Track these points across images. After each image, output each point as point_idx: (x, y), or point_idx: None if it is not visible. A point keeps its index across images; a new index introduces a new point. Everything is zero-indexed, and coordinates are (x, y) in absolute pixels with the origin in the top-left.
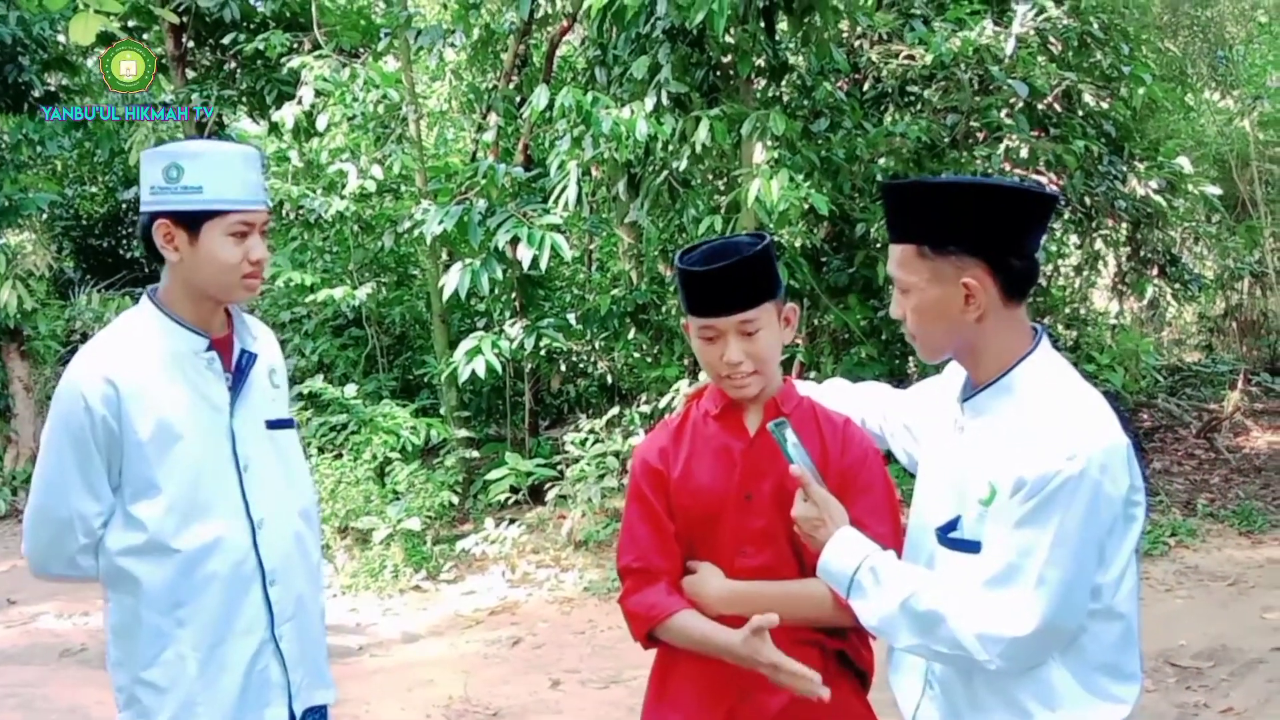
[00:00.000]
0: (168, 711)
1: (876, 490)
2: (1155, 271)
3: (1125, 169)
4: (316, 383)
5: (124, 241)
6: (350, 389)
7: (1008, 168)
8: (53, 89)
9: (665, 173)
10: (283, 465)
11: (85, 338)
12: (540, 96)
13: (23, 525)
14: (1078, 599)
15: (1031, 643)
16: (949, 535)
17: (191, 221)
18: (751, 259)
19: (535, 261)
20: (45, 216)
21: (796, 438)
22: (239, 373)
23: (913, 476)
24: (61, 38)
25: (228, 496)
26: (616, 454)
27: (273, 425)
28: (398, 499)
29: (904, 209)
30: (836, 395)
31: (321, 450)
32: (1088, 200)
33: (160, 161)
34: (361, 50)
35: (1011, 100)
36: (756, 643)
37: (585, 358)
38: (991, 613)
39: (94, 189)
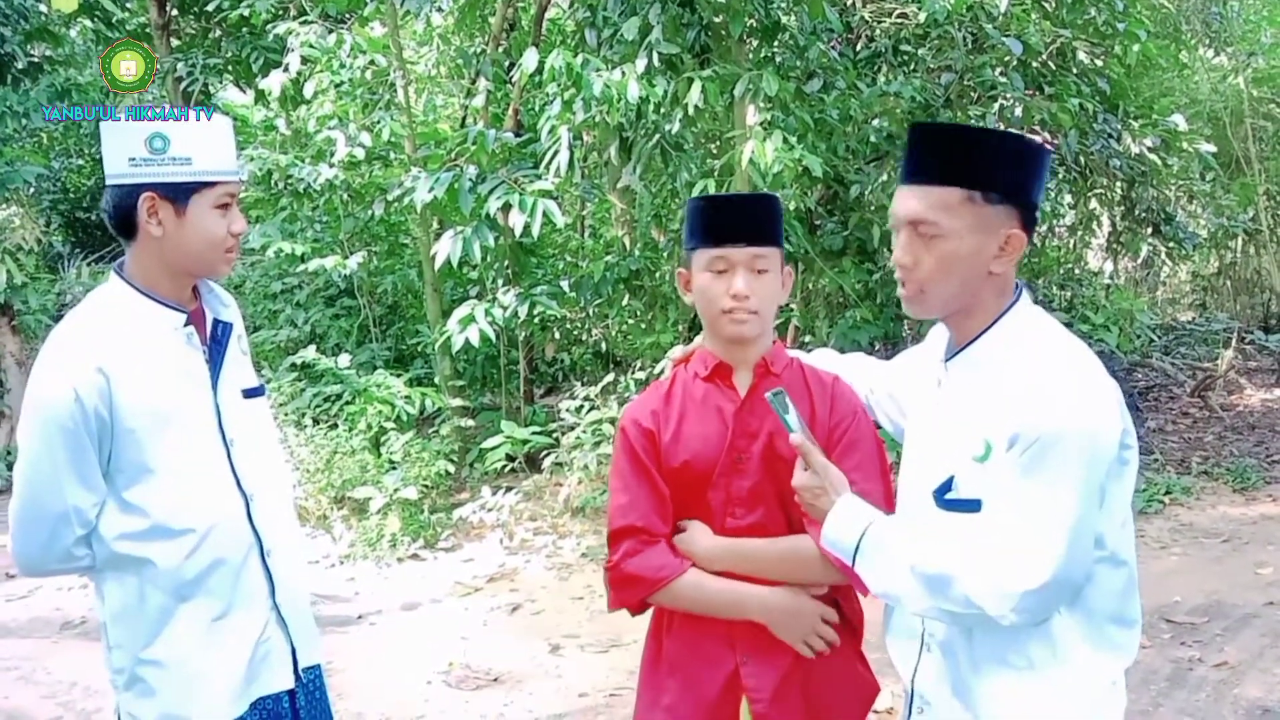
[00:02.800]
0: (173, 687)
1: (864, 446)
2: (1150, 230)
3: (1120, 127)
4: (309, 353)
5: None
6: (344, 359)
7: (1001, 127)
8: (36, 60)
9: (657, 136)
10: (262, 434)
11: None
12: (529, 59)
13: (10, 527)
14: (1084, 546)
15: (1045, 594)
16: (945, 497)
17: (181, 194)
18: (771, 198)
19: (527, 228)
20: (32, 190)
21: (795, 407)
22: (215, 343)
23: (901, 445)
24: (43, 7)
25: (219, 473)
26: (612, 421)
27: (248, 394)
28: (394, 468)
29: (954, 151)
30: (824, 365)
31: (316, 421)
32: (1082, 159)
33: (141, 132)
34: (348, 16)
35: (1005, 58)
36: (805, 595)
37: (579, 325)
38: (1002, 568)
39: (80, 161)
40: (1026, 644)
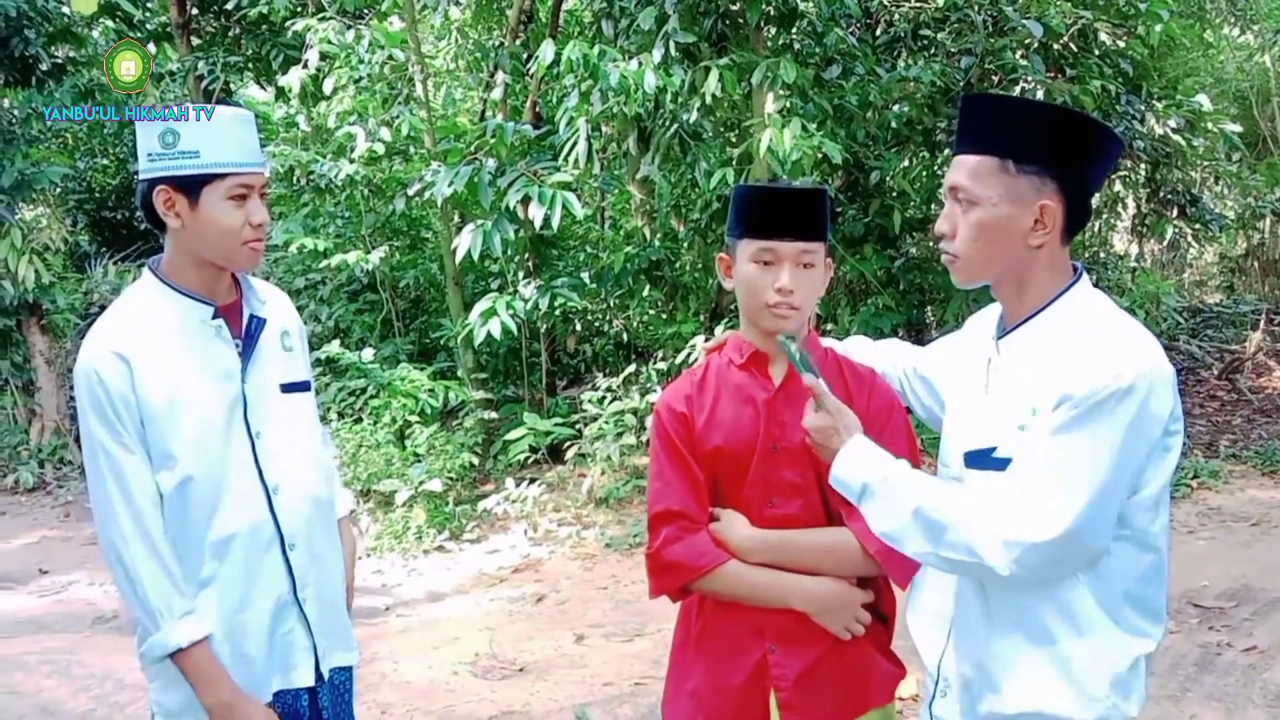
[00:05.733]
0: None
1: (901, 440)
2: (1175, 212)
3: (1143, 108)
4: (333, 348)
5: (138, 213)
6: (367, 353)
7: None
8: (60, 61)
9: (675, 126)
10: (298, 429)
11: (103, 309)
12: (547, 51)
13: (123, 575)
14: (1107, 513)
15: (1051, 550)
16: (976, 457)
17: (190, 186)
18: (820, 192)
19: (547, 220)
20: (58, 190)
21: (804, 350)
22: (248, 338)
23: (934, 431)
24: (65, 9)
25: (241, 464)
26: (634, 411)
27: (287, 389)
28: (419, 461)
29: (991, 120)
30: (859, 352)
31: (341, 415)
32: None
33: (155, 128)
34: (366, 11)
35: (1026, 41)
36: (847, 584)
37: (600, 316)
38: (1012, 517)
39: (105, 161)
40: (1043, 615)
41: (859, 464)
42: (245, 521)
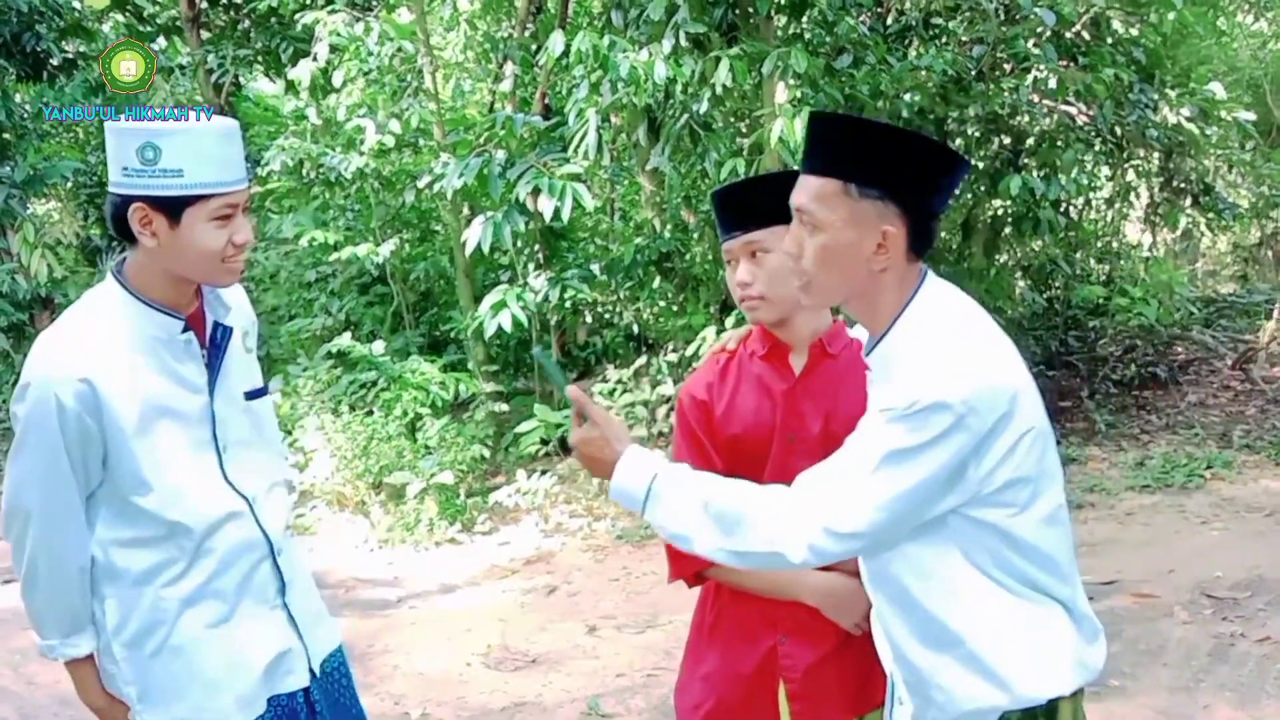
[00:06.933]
0: (191, 698)
1: None
2: (1188, 201)
3: (1156, 97)
4: (344, 341)
5: None
6: (378, 346)
7: (1036, 99)
8: (71, 56)
9: (686, 116)
10: (260, 436)
11: None
12: (556, 42)
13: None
14: (905, 518)
15: (841, 545)
16: None
17: (172, 207)
18: (758, 180)
19: (557, 212)
20: (70, 185)
21: (555, 361)
22: (214, 347)
23: None
24: (76, 3)
25: (212, 478)
26: (645, 403)
27: (250, 396)
28: (430, 454)
29: (837, 143)
30: None
31: (352, 408)
32: (1118, 130)
33: (133, 140)
34: (375, 3)
35: (1039, 29)
36: (859, 580)
37: (611, 308)
38: (811, 509)
39: None
40: (941, 618)
41: (638, 470)
42: (230, 535)
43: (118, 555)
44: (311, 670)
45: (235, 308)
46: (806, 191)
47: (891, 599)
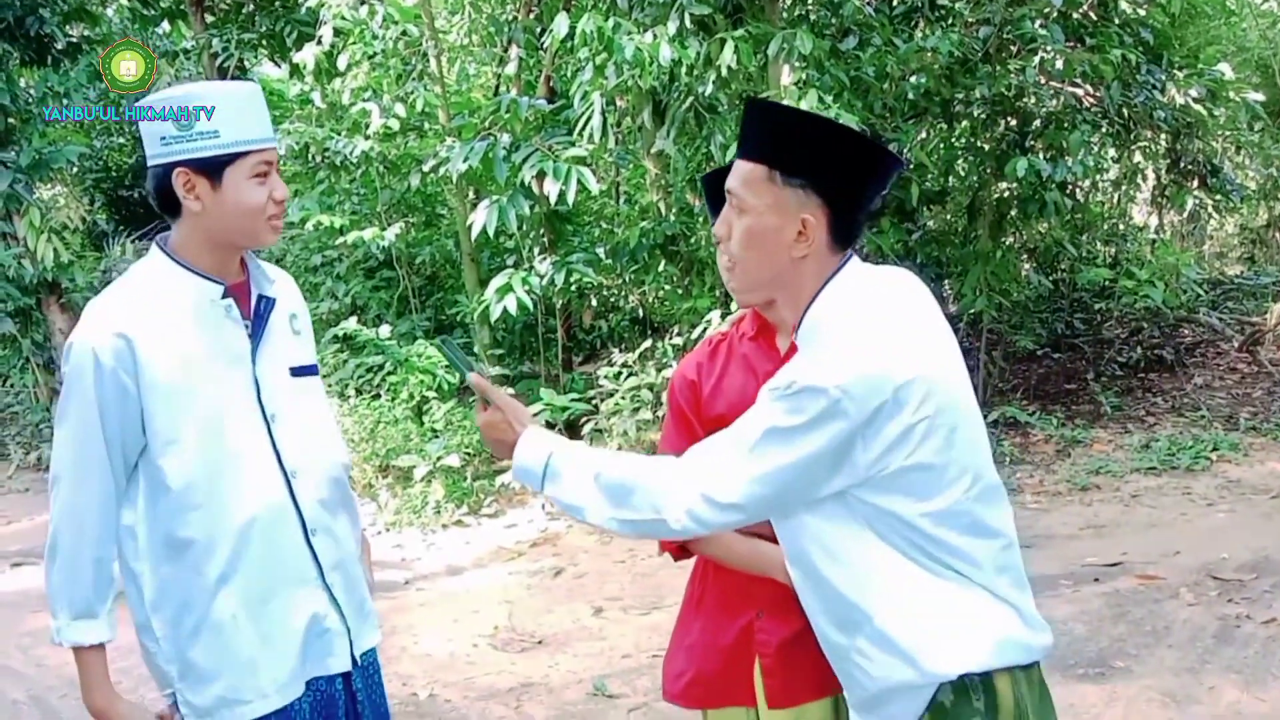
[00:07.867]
0: (227, 677)
1: None
2: (1196, 183)
3: (1164, 78)
4: (350, 324)
5: None
6: (384, 330)
7: (1043, 80)
8: (75, 40)
9: (691, 99)
10: (312, 412)
11: None
12: (561, 25)
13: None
14: (782, 495)
15: (720, 516)
16: None
17: (213, 168)
18: (727, 169)
19: (562, 196)
20: (75, 169)
21: (461, 351)
22: (258, 318)
23: None
24: None
25: (258, 448)
26: (650, 387)
27: (297, 372)
28: (436, 437)
29: (765, 129)
30: None
31: (359, 391)
32: (1125, 112)
33: (168, 108)
34: None
35: (1045, 9)
36: None
37: (616, 291)
38: (694, 478)
39: (121, 140)
40: (849, 598)
41: (536, 449)
42: (262, 505)
43: (155, 529)
44: (354, 659)
45: (282, 286)
46: (737, 175)
47: (804, 577)
